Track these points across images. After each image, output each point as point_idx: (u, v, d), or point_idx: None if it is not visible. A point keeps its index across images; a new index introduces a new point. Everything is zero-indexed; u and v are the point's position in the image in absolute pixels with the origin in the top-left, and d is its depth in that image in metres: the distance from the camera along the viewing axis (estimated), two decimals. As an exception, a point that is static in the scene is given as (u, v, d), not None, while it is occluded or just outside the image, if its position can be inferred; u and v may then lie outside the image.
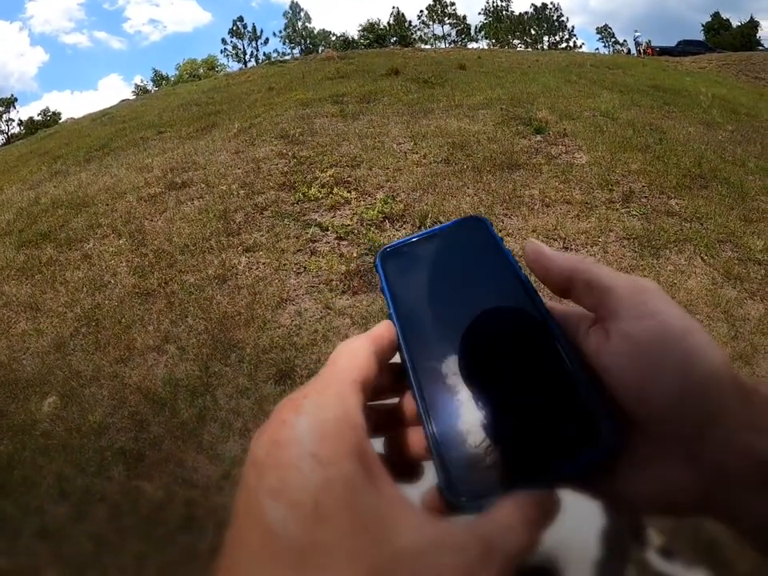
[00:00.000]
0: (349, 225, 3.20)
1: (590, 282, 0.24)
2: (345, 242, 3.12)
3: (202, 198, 4.38)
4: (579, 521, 1.37)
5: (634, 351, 0.22)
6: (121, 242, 4.06)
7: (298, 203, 3.54)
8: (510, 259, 0.27)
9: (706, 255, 3.36)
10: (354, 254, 2.98)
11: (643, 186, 4.20)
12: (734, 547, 1.97)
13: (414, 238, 0.30)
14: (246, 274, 3.13)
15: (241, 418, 2.40)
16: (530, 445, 0.22)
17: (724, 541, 2.01)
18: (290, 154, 4.26)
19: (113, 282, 3.55)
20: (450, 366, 0.25)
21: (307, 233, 3.23)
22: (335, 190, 3.52)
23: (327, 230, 3.23)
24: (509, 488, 0.21)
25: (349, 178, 3.70)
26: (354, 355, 0.24)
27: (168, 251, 3.75)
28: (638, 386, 0.22)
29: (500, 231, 3.18)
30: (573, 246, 3.18)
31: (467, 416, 0.23)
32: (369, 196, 3.49)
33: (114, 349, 2.90)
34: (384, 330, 0.26)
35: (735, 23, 42.21)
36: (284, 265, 3.05)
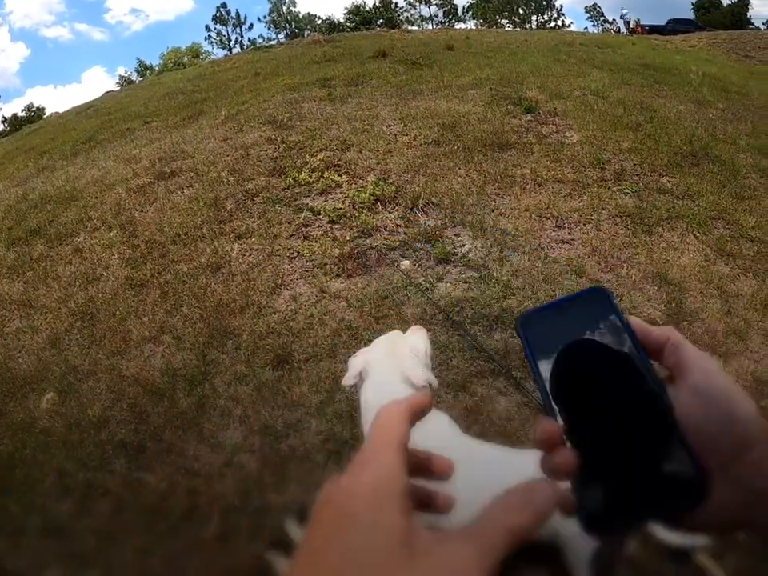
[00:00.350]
0: (341, 208, 3.19)
1: (677, 345, 0.33)
2: (337, 226, 3.10)
3: (191, 187, 4.34)
4: None
5: (701, 392, 0.31)
6: (111, 234, 4.03)
7: (288, 188, 3.52)
8: (629, 330, 0.33)
9: (699, 232, 3.37)
10: (347, 237, 2.97)
11: (635, 164, 4.20)
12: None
13: (546, 306, 0.35)
14: (240, 260, 3.12)
15: (240, 405, 2.40)
16: (652, 491, 0.28)
17: None
18: (278, 139, 4.22)
19: (105, 274, 3.53)
20: (586, 416, 0.31)
21: (299, 217, 3.21)
22: (326, 173, 3.50)
23: (319, 214, 3.21)
24: (633, 522, 0.28)
25: (339, 162, 3.67)
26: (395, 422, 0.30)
27: (160, 241, 3.72)
28: (702, 418, 0.30)
29: (492, 211, 3.17)
30: (566, 225, 3.18)
31: (605, 460, 0.30)
32: (360, 179, 3.47)
33: (109, 342, 2.89)
34: (420, 400, 0.32)
35: (725, 2, 41.83)
36: (277, 250, 3.04)
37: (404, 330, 1.62)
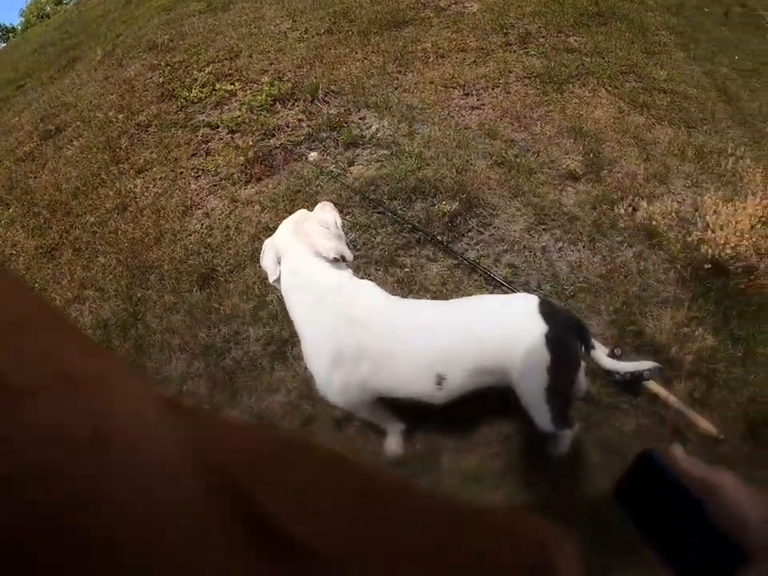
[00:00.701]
0: (239, 116, 2.97)
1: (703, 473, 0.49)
2: (238, 134, 2.91)
3: (81, 137, 3.97)
4: (523, 330, 1.39)
5: (723, 507, 0.46)
6: (10, 211, 3.69)
7: (181, 109, 3.24)
8: (673, 476, 0.50)
9: (610, 86, 3.37)
10: (250, 143, 2.79)
11: (539, 27, 4.08)
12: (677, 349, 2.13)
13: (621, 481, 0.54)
14: (145, 194, 2.91)
15: (177, 334, 2.34)
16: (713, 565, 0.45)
17: (664, 342, 2.16)
18: (162, 63, 3.83)
19: (14, 252, 3.27)
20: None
21: (197, 135, 2.99)
22: (217, 85, 3.22)
23: (218, 127, 2.99)
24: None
25: (230, 71, 3.39)
26: None
27: (61, 201, 3.45)
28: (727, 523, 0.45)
29: (396, 89, 3.04)
30: (473, 92, 3.09)
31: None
32: (254, 83, 3.22)
33: None
34: None
35: None
36: (181, 173, 2.84)
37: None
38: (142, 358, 2.35)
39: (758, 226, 2.11)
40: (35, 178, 3.87)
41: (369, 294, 1.43)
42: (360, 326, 1.36)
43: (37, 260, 3.11)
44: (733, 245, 2.05)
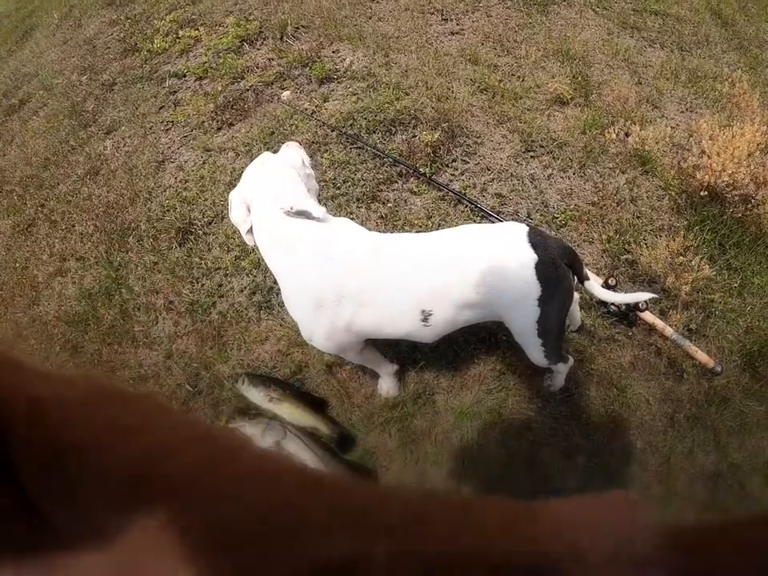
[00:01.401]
0: (205, 62, 2.80)
1: None
2: (206, 80, 2.75)
3: (46, 106, 3.79)
4: (512, 261, 1.30)
5: None
6: (-17, 194, 3.56)
7: (146, 63, 3.06)
8: None
9: (598, 7, 3.20)
10: (219, 88, 2.64)
11: (520, -54, 3.81)
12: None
13: None
14: (116, 154, 2.78)
15: (161, 295, 2.28)
16: None
17: (659, 272, 2.06)
18: (122, 17, 3.60)
19: (-8, 235, 3.16)
20: None
21: (164, 87, 2.82)
22: (181, 32, 3.02)
23: (185, 76, 2.83)
24: None
25: (193, 16, 3.17)
26: None
27: (32, 174, 3.31)
28: None
29: (369, 18, 2.84)
30: (452, 16, 2.90)
31: None
32: (219, 26, 3.02)
33: (20, 297, 2.65)
34: None
35: None
36: (150, 128, 2.70)
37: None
38: (129, 323, 2.30)
39: (756, 153, 2.01)
40: (4, 156, 3.72)
41: (345, 232, 1.35)
42: (338, 266, 1.29)
43: (15, 239, 3.02)
44: (730, 172, 1.95)
